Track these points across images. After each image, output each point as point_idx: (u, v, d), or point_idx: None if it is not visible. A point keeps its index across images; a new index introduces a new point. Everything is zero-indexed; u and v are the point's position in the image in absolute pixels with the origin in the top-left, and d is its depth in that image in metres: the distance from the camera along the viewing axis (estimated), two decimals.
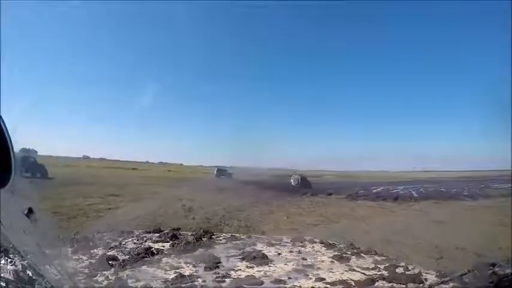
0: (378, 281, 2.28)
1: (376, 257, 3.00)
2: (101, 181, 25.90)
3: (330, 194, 23.68)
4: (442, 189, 32.79)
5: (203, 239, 3.44)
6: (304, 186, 30.44)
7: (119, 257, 2.68)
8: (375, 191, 30.03)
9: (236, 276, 2.35)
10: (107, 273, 2.30)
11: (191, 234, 3.60)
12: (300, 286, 2.20)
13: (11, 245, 1.51)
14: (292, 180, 33.96)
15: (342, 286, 2.18)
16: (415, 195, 26.49)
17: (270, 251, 3.04)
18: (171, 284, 2.15)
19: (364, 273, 2.44)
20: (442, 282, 2.06)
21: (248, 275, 2.38)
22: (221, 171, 45.92)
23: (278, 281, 2.28)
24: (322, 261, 2.78)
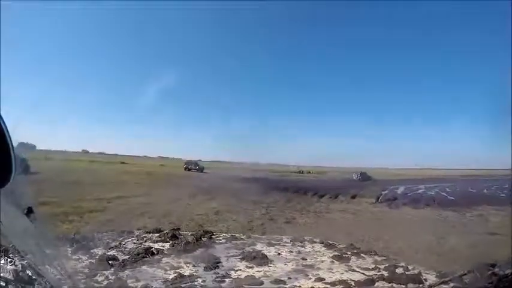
0: (378, 281, 2.28)
1: (376, 257, 3.00)
2: (63, 178, 18.25)
3: (353, 197, 19.01)
4: (471, 190, 27.66)
5: (203, 239, 3.44)
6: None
7: (118, 257, 2.68)
8: (399, 191, 25.65)
9: (236, 276, 2.35)
10: (106, 273, 2.30)
11: (191, 234, 3.59)
12: (299, 286, 2.20)
13: (11, 245, 1.51)
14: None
15: (341, 286, 2.18)
16: (450, 197, 21.73)
17: (269, 251, 3.04)
18: (171, 284, 2.15)
19: (364, 274, 2.44)
20: (442, 283, 2.06)
21: (248, 275, 2.38)
22: (191, 164, 45.20)
23: (278, 281, 2.28)
24: (322, 261, 2.78)
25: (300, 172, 58.12)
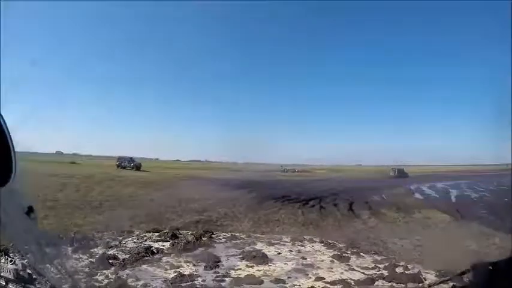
0: (377, 280, 2.29)
1: (376, 257, 3.00)
2: None
3: (398, 209, 13.04)
4: (506, 187, 22.13)
5: (203, 238, 3.44)
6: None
7: (119, 256, 2.68)
8: (427, 191, 20.47)
9: (236, 276, 2.36)
10: (107, 272, 2.30)
11: (191, 234, 3.60)
12: (299, 285, 2.20)
13: (11, 244, 1.51)
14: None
15: (341, 285, 2.18)
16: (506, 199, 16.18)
17: (269, 251, 3.05)
18: (171, 283, 2.15)
19: (363, 273, 2.45)
20: (442, 282, 2.06)
21: (248, 274, 2.38)
22: (124, 160, 36.32)
23: (278, 280, 2.28)
24: (322, 261, 2.78)
25: (284, 171, 53.86)
